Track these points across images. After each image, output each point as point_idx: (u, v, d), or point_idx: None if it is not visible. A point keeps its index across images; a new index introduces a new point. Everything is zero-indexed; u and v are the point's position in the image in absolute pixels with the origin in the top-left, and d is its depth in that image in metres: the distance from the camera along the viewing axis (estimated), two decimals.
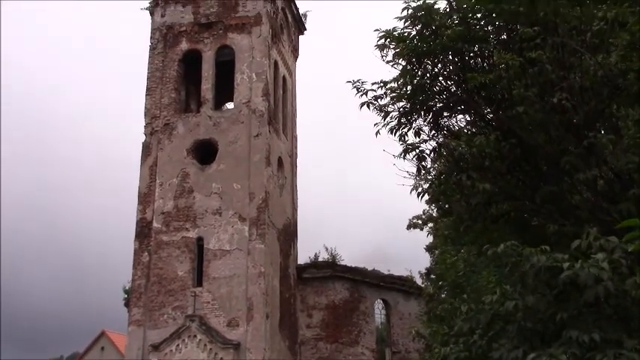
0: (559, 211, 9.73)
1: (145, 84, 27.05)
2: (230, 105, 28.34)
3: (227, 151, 25.64)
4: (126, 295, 32.81)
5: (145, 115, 26.62)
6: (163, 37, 27.72)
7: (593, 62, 9.52)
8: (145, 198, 25.51)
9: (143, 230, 25.14)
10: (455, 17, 10.66)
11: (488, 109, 10.87)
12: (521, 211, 10.29)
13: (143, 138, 26.46)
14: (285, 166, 28.43)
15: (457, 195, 10.61)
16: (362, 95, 11.36)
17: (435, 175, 11.14)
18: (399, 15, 10.71)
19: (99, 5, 71.54)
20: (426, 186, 10.99)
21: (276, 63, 28.51)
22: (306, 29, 32.54)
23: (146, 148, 26.26)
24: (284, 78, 29.89)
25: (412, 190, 10.76)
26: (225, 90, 27.68)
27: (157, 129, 26.42)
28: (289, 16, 30.79)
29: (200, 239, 24.75)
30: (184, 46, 27.60)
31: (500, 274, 10.97)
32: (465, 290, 14.33)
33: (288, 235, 27.96)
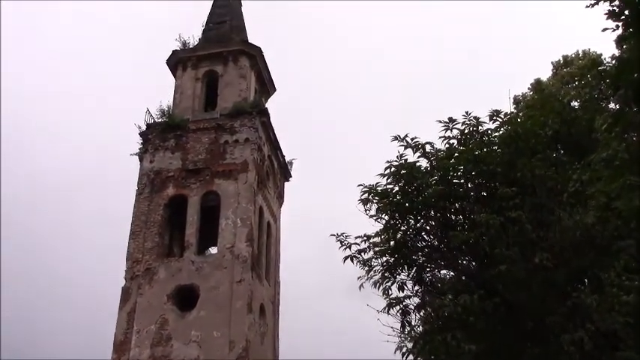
0: None
1: (129, 228, 27.07)
2: (213, 250, 28.22)
3: (208, 297, 25.14)
4: None
5: (127, 260, 26.34)
6: (151, 182, 28.14)
7: (571, 222, 9.75)
8: (120, 346, 24.56)
9: None
10: (435, 176, 11.03)
11: (472, 266, 10.93)
12: None
13: (123, 282, 25.99)
14: (267, 312, 27.82)
15: (442, 355, 10.36)
16: (346, 249, 11.45)
17: (419, 333, 10.94)
18: (382, 172, 11.10)
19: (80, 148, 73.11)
20: (410, 345, 10.76)
21: (261, 209, 28.84)
22: (291, 176, 33.30)
23: (125, 293, 25.71)
24: (268, 224, 30.10)
25: (397, 349, 10.52)
26: (209, 234, 27.69)
27: (137, 274, 26.03)
28: (275, 164, 31.60)
29: None
30: (171, 191, 27.96)
31: None
32: None
33: None
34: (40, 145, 72.40)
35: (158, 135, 29.10)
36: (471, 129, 11.34)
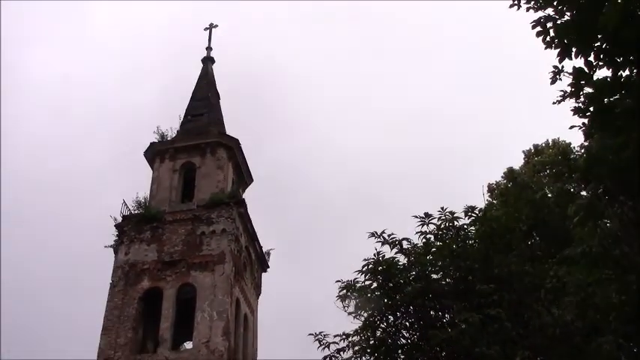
0: None
1: (102, 322, 26.31)
2: (189, 344, 27.43)
3: None
4: None
5: (97, 357, 25.41)
6: (125, 275, 27.60)
7: (550, 319, 9.75)
8: None
9: None
10: (413, 272, 11.05)
11: None
12: None
13: None
14: None
15: None
16: (324, 348, 11.26)
17: None
18: (360, 269, 11.09)
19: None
20: None
21: (238, 301, 28.33)
22: (269, 267, 32.97)
23: None
24: (245, 316, 29.50)
25: None
26: (184, 328, 26.99)
27: None
28: (253, 254, 31.34)
29: None
30: (146, 284, 27.41)
31: None
32: None
33: None
34: (12, 237, 70.98)
35: (134, 227, 28.82)
36: (447, 224, 11.49)
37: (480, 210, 11.61)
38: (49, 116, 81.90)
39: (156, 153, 31.80)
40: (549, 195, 15.19)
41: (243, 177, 33.57)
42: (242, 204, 29.79)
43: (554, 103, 9.76)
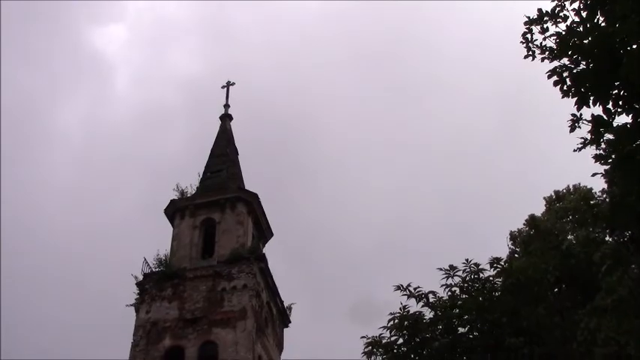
0: None
1: None
2: None
3: None
4: None
5: None
6: (146, 334, 27.42)
7: None
8: None
9: None
10: (440, 326, 10.84)
11: None
12: None
13: None
14: None
15: None
16: None
17: None
18: (386, 325, 10.90)
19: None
20: None
21: (260, 358, 27.92)
22: (290, 322, 32.59)
23: None
24: None
25: None
26: None
27: None
28: (274, 310, 31.04)
29: None
30: (167, 342, 27.18)
31: None
32: None
33: None
34: (31, 297, 71.00)
35: (155, 284, 28.80)
36: (472, 276, 11.32)
37: (505, 262, 11.43)
38: (73, 165, 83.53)
39: (176, 210, 32.00)
40: (574, 242, 14.96)
41: (263, 231, 33.56)
42: (262, 259, 29.70)
43: (574, 150, 9.71)
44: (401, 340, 10.93)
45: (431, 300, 11.08)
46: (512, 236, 21.83)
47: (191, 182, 33.08)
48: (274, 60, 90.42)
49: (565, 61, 9.12)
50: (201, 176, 33.67)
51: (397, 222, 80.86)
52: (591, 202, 17.97)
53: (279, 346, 31.52)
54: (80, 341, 70.12)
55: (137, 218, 72.87)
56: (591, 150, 9.53)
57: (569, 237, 15.53)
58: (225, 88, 37.46)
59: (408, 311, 10.86)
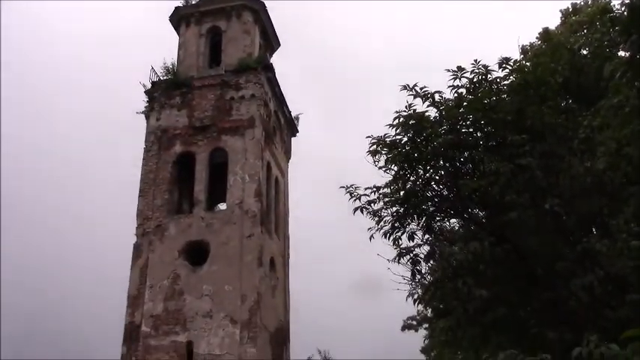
0: (556, 317, 9.64)
1: (138, 186, 27.27)
2: (223, 206, 28.43)
3: (219, 253, 25.44)
4: None
5: (137, 217, 26.59)
6: (158, 140, 28.17)
7: (581, 169, 9.76)
8: (134, 301, 25.02)
9: (131, 334, 24.46)
10: (445, 125, 10.99)
11: (481, 214, 11.00)
12: (519, 318, 10.17)
13: (134, 239, 26.31)
14: (277, 266, 28.18)
15: (454, 301, 10.51)
16: (355, 200, 11.50)
17: (430, 281, 11.08)
18: (391, 123, 11.05)
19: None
20: (421, 291, 10.92)
21: (268, 164, 28.91)
22: (298, 131, 33.26)
23: (137, 250, 26.04)
24: (276, 179, 30.21)
25: (408, 296, 10.68)
26: (217, 191, 27.86)
27: (148, 230, 26.31)
28: (282, 119, 31.53)
29: (190, 344, 24.06)
30: (178, 148, 28.01)
31: None
32: None
33: (281, 338, 27.29)
34: (44, 109, 72.15)
35: (163, 93, 29.02)
36: (480, 77, 11.23)
37: (515, 62, 11.27)
38: None
39: (181, 17, 31.30)
40: (585, 53, 14.68)
41: (270, 41, 33.04)
42: (270, 69, 29.56)
43: None
44: (405, 139, 11.15)
45: (437, 100, 11.10)
46: (524, 50, 21.35)
47: None
48: None
49: None
50: None
51: (404, 28, 79.66)
52: (609, 15, 17.31)
53: (287, 154, 32.49)
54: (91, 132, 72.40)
55: (144, 25, 71.62)
56: None
57: (582, 50, 15.21)
58: None
59: (414, 110, 10.96)
